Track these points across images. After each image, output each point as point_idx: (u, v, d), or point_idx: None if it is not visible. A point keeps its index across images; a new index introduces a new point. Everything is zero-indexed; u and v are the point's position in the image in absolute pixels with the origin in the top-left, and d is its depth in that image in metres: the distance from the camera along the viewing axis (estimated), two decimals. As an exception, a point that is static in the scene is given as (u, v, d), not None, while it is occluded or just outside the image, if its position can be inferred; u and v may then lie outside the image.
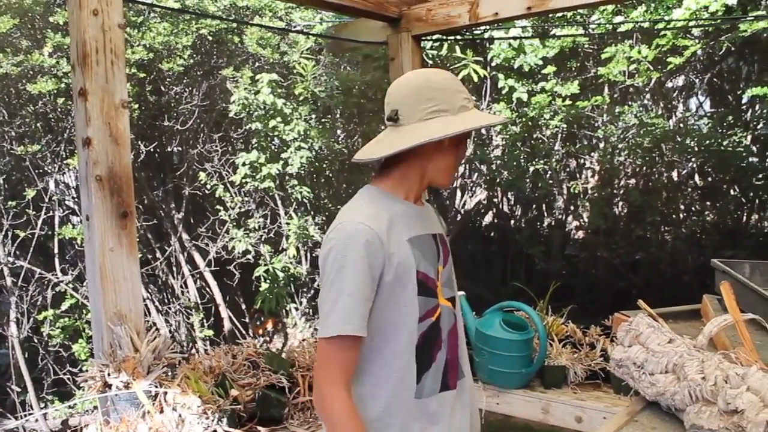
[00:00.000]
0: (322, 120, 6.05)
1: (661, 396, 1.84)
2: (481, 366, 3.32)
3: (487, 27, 5.24)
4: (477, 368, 3.28)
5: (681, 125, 6.00)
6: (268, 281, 5.61)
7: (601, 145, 6.12)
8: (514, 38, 5.32)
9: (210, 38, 5.55)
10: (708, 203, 6.05)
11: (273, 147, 5.67)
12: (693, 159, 5.86)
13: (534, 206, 6.88)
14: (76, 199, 5.58)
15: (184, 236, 5.96)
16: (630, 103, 6.11)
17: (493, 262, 6.95)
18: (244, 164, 5.40)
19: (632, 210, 6.15)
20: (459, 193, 6.80)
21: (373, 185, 1.65)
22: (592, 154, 6.27)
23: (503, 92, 5.73)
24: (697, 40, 5.38)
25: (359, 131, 6.24)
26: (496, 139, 6.47)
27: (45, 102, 5.11)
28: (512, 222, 6.95)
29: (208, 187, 5.73)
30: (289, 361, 3.24)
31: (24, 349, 5.15)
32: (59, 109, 5.21)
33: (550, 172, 6.13)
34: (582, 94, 5.67)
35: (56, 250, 5.36)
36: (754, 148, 5.69)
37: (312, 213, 6.03)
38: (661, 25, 5.10)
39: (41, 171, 5.30)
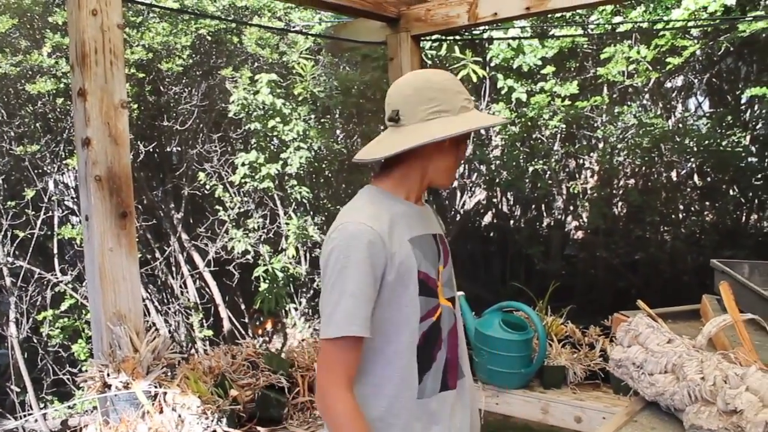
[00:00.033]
0: (322, 120, 6.06)
1: (660, 396, 1.84)
2: (481, 366, 3.32)
3: (486, 27, 5.25)
4: (476, 368, 3.28)
5: (680, 125, 6.00)
6: (267, 281, 5.61)
7: (600, 145, 6.13)
8: (513, 38, 5.32)
9: (209, 38, 5.56)
10: (707, 203, 6.05)
11: (272, 147, 5.67)
12: (692, 159, 5.86)
13: (533, 206, 6.88)
14: (76, 199, 5.58)
15: (184, 236, 5.96)
16: (629, 103, 6.11)
17: (493, 262, 6.95)
18: (243, 164, 5.40)
19: (631, 210, 6.15)
20: (458, 193, 6.81)
21: (374, 185, 1.65)
22: (592, 154, 6.27)
23: (502, 92, 5.73)
24: (695, 41, 5.38)
25: (358, 131, 6.24)
26: (495, 139, 6.47)
27: (44, 102, 5.11)
28: (511, 222, 6.95)
29: (208, 187, 5.73)
30: (288, 362, 3.24)
31: (23, 349, 5.15)
32: (58, 110, 5.21)
33: (549, 173, 6.13)
34: (581, 95, 5.68)
35: (55, 250, 5.35)
36: (753, 148, 5.69)
37: (311, 213, 6.03)
38: (660, 26, 5.10)
39: (40, 171, 5.29)
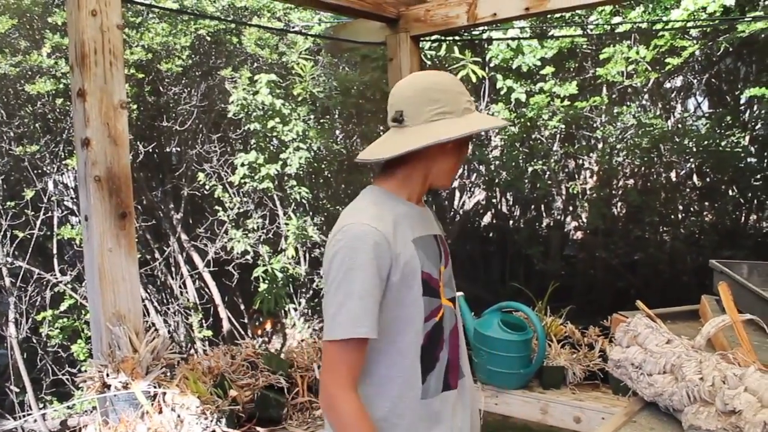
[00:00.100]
0: (321, 120, 6.06)
1: (659, 396, 1.85)
2: (480, 366, 3.32)
3: (486, 27, 5.25)
4: (476, 369, 3.28)
5: (679, 126, 6.00)
6: (266, 282, 5.61)
7: (600, 145, 6.13)
8: (513, 39, 5.33)
9: (208, 39, 5.56)
10: (706, 203, 6.05)
11: (272, 147, 5.67)
12: (691, 159, 5.86)
13: (533, 207, 6.89)
14: (75, 200, 5.58)
15: (183, 237, 5.96)
16: (628, 103, 6.12)
17: (492, 263, 6.95)
18: (242, 165, 5.40)
19: (631, 210, 6.15)
20: (458, 194, 6.81)
21: (376, 186, 1.65)
22: (591, 154, 6.28)
23: (502, 93, 5.73)
24: (695, 41, 5.38)
25: (358, 131, 6.25)
26: (494, 139, 6.47)
27: (43, 102, 5.11)
28: (511, 222, 6.95)
29: (207, 187, 5.73)
30: (287, 362, 3.24)
31: (23, 349, 5.15)
32: (58, 110, 5.21)
33: (548, 173, 6.14)
34: (580, 95, 5.68)
35: (55, 251, 5.36)
36: (752, 149, 5.70)
37: (311, 213, 6.03)
38: (659, 26, 5.10)
39: (40, 171, 5.29)
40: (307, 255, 6.05)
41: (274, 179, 5.49)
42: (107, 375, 2.43)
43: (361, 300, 1.46)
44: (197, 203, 6.32)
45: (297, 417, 3.05)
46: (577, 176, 6.44)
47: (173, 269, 5.96)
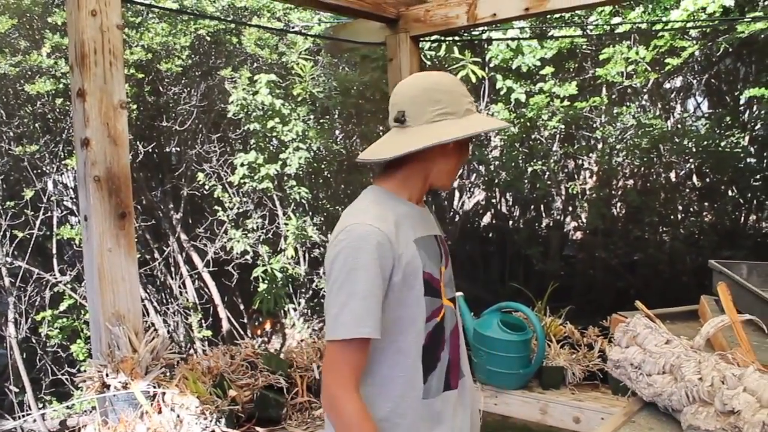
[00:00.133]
0: (321, 120, 6.06)
1: (658, 397, 1.85)
2: (479, 367, 3.32)
3: (486, 28, 5.25)
4: (475, 369, 3.28)
5: (679, 126, 6.00)
6: (266, 282, 5.61)
7: (599, 145, 6.13)
8: (513, 39, 5.33)
9: (208, 39, 5.56)
10: (706, 204, 6.06)
11: (271, 147, 5.67)
12: (691, 160, 5.86)
13: (532, 207, 6.89)
14: (75, 200, 5.58)
15: (183, 237, 5.96)
16: (628, 103, 6.12)
17: (492, 263, 6.95)
18: (242, 165, 5.40)
19: (630, 211, 6.15)
20: (457, 194, 6.81)
21: (377, 186, 1.65)
22: (590, 154, 6.28)
23: (501, 93, 5.74)
24: (694, 41, 5.39)
25: (357, 132, 6.25)
26: (494, 140, 6.48)
27: (43, 102, 5.11)
28: (510, 223, 6.95)
29: (207, 187, 5.73)
30: (287, 362, 3.24)
31: (22, 349, 5.15)
32: (57, 110, 5.21)
33: (548, 173, 6.14)
34: (580, 95, 5.68)
35: (54, 251, 5.36)
36: (751, 149, 5.70)
37: (310, 213, 6.04)
38: (658, 26, 5.11)
39: (39, 171, 5.29)
40: (307, 255, 6.05)
41: (273, 179, 5.49)
42: (106, 375, 2.43)
43: (365, 300, 1.46)
44: (197, 203, 6.32)
45: (296, 417, 3.05)
46: (576, 176, 6.44)
47: (173, 269, 5.96)
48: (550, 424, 3.25)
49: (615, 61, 5.31)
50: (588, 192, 6.34)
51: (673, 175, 6.12)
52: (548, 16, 5.33)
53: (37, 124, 5.29)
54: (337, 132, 6.36)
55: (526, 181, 6.17)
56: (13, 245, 5.12)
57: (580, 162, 6.46)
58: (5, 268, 5.15)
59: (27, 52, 4.94)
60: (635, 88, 5.94)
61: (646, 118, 5.80)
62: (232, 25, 5.58)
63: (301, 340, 4.27)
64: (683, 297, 3.01)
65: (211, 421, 2.53)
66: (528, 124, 5.84)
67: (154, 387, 2.46)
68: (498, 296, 4.93)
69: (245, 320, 6.40)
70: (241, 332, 6.19)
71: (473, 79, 5.19)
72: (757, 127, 5.80)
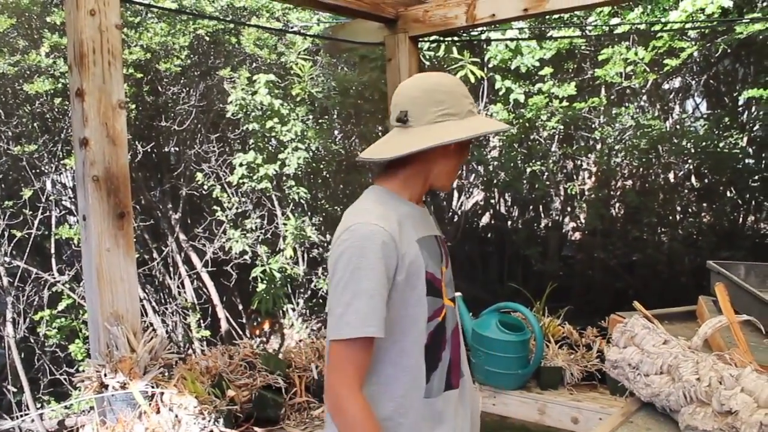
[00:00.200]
0: (320, 121, 6.06)
1: (656, 397, 1.85)
2: (478, 367, 3.32)
3: (484, 28, 5.25)
4: (473, 369, 3.28)
5: (677, 127, 6.01)
6: (265, 282, 5.61)
7: (598, 146, 6.13)
8: (511, 39, 5.33)
9: (207, 39, 5.56)
10: (704, 205, 6.06)
11: (270, 148, 5.67)
12: (689, 160, 5.87)
13: (531, 207, 6.89)
14: (73, 200, 5.58)
15: (181, 237, 5.96)
16: (627, 104, 6.12)
17: (490, 263, 6.95)
18: (241, 165, 5.40)
19: (629, 211, 6.16)
20: (456, 195, 6.81)
21: (379, 185, 1.66)
22: (589, 155, 6.28)
23: (500, 93, 5.74)
24: (693, 42, 5.39)
25: (356, 132, 6.25)
26: (493, 140, 6.48)
27: (42, 102, 5.11)
28: (509, 223, 6.96)
29: (206, 187, 5.73)
30: (285, 362, 3.24)
31: (20, 349, 5.15)
32: (56, 109, 5.21)
33: (547, 174, 6.14)
34: (579, 96, 5.68)
35: (53, 251, 5.35)
36: (750, 150, 5.70)
37: (309, 214, 6.04)
38: (657, 27, 5.11)
39: (38, 171, 5.29)
40: (306, 255, 6.05)
41: (272, 179, 5.49)
42: (105, 375, 2.43)
43: (370, 299, 1.47)
44: (195, 203, 6.32)
45: (294, 417, 3.05)
46: (575, 177, 6.44)
47: (171, 269, 5.96)
48: (549, 425, 3.25)
49: (614, 61, 5.32)
50: (587, 192, 6.35)
51: (671, 175, 6.12)
52: (547, 17, 5.34)
53: (35, 124, 5.29)
54: (335, 132, 6.36)
55: (524, 181, 6.18)
56: (12, 245, 5.12)
57: (578, 162, 6.46)
58: (3, 268, 5.15)
59: (26, 51, 4.94)
60: (634, 88, 5.94)
61: (644, 118, 5.81)
62: (231, 25, 5.58)
63: (300, 341, 4.27)
64: (682, 297, 3.01)
65: (209, 421, 2.53)
66: (527, 124, 5.84)
67: (153, 387, 2.46)
68: (497, 296, 4.93)
69: (244, 320, 6.39)
70: (240, 332, 6.19)
71: (472, 79, 5.19)
72: (755, 128, 5.81)
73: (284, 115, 5.42)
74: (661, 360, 1.85)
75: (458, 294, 3.23)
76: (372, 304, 1.47)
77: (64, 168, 5.38)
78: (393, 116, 1.63)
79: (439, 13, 3.94)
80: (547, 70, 5.47)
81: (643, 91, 6.13)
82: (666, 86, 6.42)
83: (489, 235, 7.26)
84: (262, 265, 5.62)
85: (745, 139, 5.74)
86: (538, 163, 6.03)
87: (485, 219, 7.31)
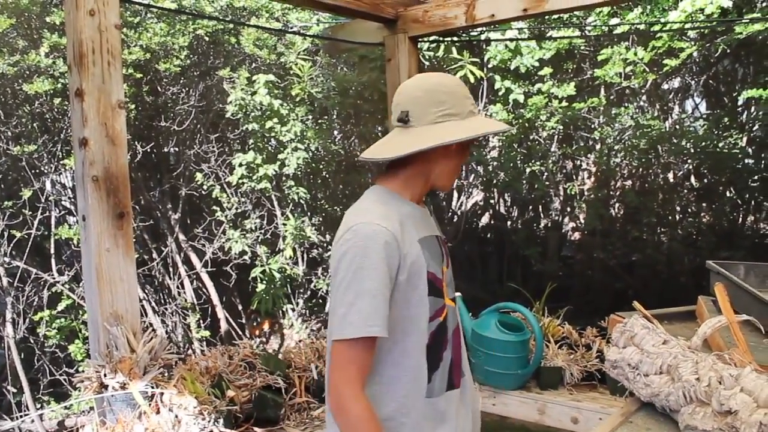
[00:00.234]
0: (319, 121, 6.06)
1: (655, 397, 1.85)
2: (477, 367, 3.32)
3: (484, 28, 5.25)
4: (473, 369, 3.28)
5: (677, 127, 6.01)
6: (264, 282, 5.61)
7: (598, 146, 6.14)
8: (511, 40, 5.33)
9: (207, 39, 5.56)
10: (704, 205, 6.06)
11: (270, 148, 5.67)
12: (689, 160, 5.87)
13: (530, 207, 6.89)
14: (73, 200, 5.57)
15: (181, 237, 5.96)
16: (626, 104, 6.12)
17: (490, 263, 6.95)
18: (240, 165, 5.40)
19: (628, 211, 6.16)
20: (456, 195, 6.81)
21: (380, 185, 1.66)
22: (589, 155, 6.28)
23: (500, 94, 5.74)
24: (692, 42, 5.39)
25: (356, 132, 6.25)
26: (492, 140, 6.48)
27: (41, 102, 5.11)
28: (509, 223, 6.96)
29: (205, 187, 5.73)
30: (285, 362, 3.24)
31: (20, 349, 5.14)
32: (56, 110, 5.21)
33: (546, 174, 6.14)
34: (578, 96, 5.69)
35: (52, 251, 5.35)
36: (749, 150, 5.71)
37: (309, 214, 6.04)
38: (656, 27, 5.11)
39: (37, 171, 5.29)
40: (305, 255, 6.05)
41: (272, 179, 5.49)
42: (105, 375, 2.43)
43: (373, 299, 1.47)
44: (195, 203, 6.31)
45: (294, 417, 3.05)
46: (574, 177, 6.44)
47: (171, 269, 5.96)
48: (548, 425, 3.25)
49: (613, 62, 5.32)
50: (586, 193, 6.35)
51: (671, 175, 6.13)
52: (546, 17, 5.34)
53: (35, 124, 5.29)
54: (335, 132, 6.36)
55: (524, 181, 6.18)
56: (11, 245, 5.12)
57: (578, 163, 6.46)
58: (3, 268, 5.14)
59: (25, 51, 4.93)
60: (633, 88, 5.94)
61: (644, 118, 5.81)
62: (231, 26, 5.58)
63: (300, 341, 4.27)
64: (681, 297, 3.01)
65: (209, 421, 2.53)
66: (526, 124, 5.85)
67: (152, 387, 2.46)
68: (496, 296, 4.93)
69: (243, 320, 6.39)
70: (240, 332, 6.19)
71: (471, 79, 5.20)
72: (755, 128, 5.81)
73: (284, 115, 5.42)
74: (660, 360, 1.86)
75: (458, 294, 3.23)
76: (375, 303, 1.47)
77: (63, 168, 5.37)
78: (394, 116, 1.63)
79: (438, 14, 3.94)
80: (546, 71, 5.47)
81: (643, 91, 6.14)
82: (665, 86, 6.42)
83: (488, 236, 7.26)
84: (261, 266, 5.62)
85: (745, 139, 5.75)
86: (538, 163, 6.03)
87: (485, 219, 7.31)
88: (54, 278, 5.23)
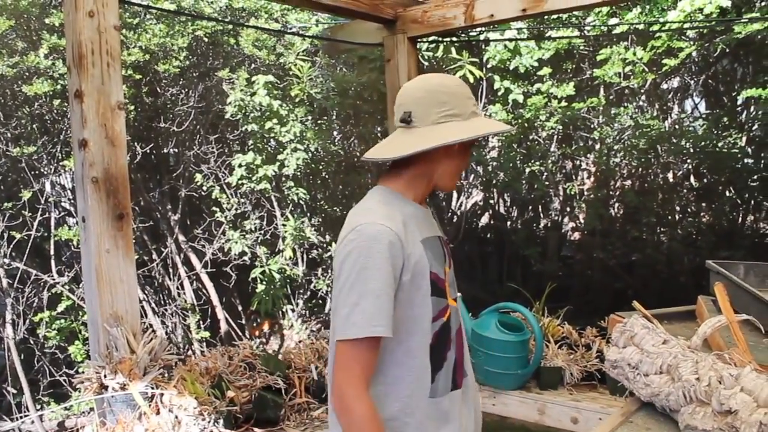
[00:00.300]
0: (318, 121, 6.06)
1: (655, 397, 1.85)
2: (477, 367, 3.32)
3: (483, 28, 5.25)
4: (473, 369, 3.29)
5: (676, 127, 6.01)
6: (264, 283, 5.61)
7: (597, 146, 6.14)
8: (510, 40, 5.33)
9: (206, 40, 5.56)
10: (703, 204, 6.06)
11: (269, 148, 5.67)
12: (688, 160, 5.87)
13: (530, 207, 6.89)
14: (72, 201, 5.57)
15: (181, 238, 5.96)
16: (625, 104, 6.12)
17: (490, 264, 6.96)
18: (240, 166, 5.40)
19: (628, 211, 6.16)
20: (455, 195, 6.81)
21: (383, 186, 1.66)
22: (588, 155, 6.29)
23: (499, 94, 5.74)
24: (692, 42, 5.40)
25: (355, 132, 6.25)
26: (492, 140, 6.48)
27: (41, 103, 5.10)
28: (508, 223, 6.96)
29: (205, 188, 5.73)
30: (285, 363, 3.24)
31: (20, 350, 5.14)
32: (55, 111, 5.20)
33: (546, 174, 6.14)
34: (577, 96, 5.69)
35: (52, 252, 5.35)
36: (749, 150, 5.71)
37: (308, 214, 6.04)
38: (656, 27, 5.12)
39: (37, 172, 5.29)
40: (305, 256, 6.05)
41: (271, 180, 5.49)
42: (105, 376, 2.43)
43: (377, 299, 1.47)
44: (195, 204, 6.31)
45: (294, 418, 3.05)
46: (574, 177, 6.45)
47: (171, 270, 5.96)
48: (548, 425, 3.25)
49: (612, 61, 5.32)
50: (586, 193, 6.35)
51: (670, 175, 6.13)
52: (546, 17, 5.34)
53: (34, 125, 5.29)
54: (335, 133, 6.36)
55: (524, 181, 6.18)
56: (11, 246, 5.12)
57: (577, 162, 6.47)
58: (3, 270, 5.14)
59: (24, 53, 4.93)
60: (633, 88, 5.94)
61: (643, 118, 5.81)
62: (230, 26, 5.58)
63: (299, 341, 4.28)
64: (681, 297, 3.02)
65: (209, 422, 2.53)
66: (526, 124, 5.85)
67: (152, 388, 2.46)
68: (496, 297, 4.93)
69: (243, 321, 6.39)
70: (240, 333, 6.19)
71: (471, 79, 5.19)
72: (754, 128, 5.82)
73: (283, 116, 5.42)
74: (660, 360, 1.86)
75: (458, 294, 3.23)
76: (378, 303, 1.47)
77: (63, 169, 5.37)
78: (397, 117, 1.63)
79: (437, 14, 3.94)
80: (545, 71, 5.47)
81: (642, 91, 6.14)
82: (665, 86, 6.43)
83: (488, 236, 7.26)
84: (261, 266, 5.62)
85: (744, 138, 5.75)
86: (537, 163, 6.03)
87: (484, 219, 7.32)
88: (54, 279, 5.23)
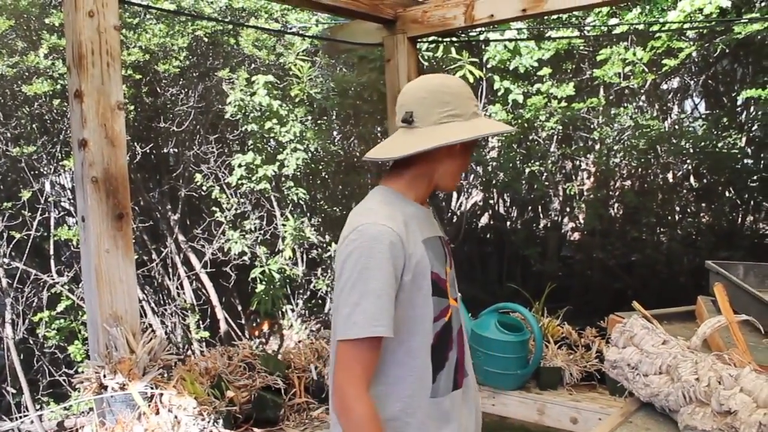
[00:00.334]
0: (318, 121, 6.06)
1: (655, 397, 1.85)
2: (477, 367, 3.30)
3: (483, 29, 5.25)
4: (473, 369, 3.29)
5: (676, 127, 6.01)
6: (264, 283, 5.61)
7: (597, 146, 6.14)
8: (510, 40, 5.34)
9: (206, 40, 5.56)
10: (703, 205, 6.06)
11: (269, 148, 5.67)
12: (688, 161, 5.87)
13: (530, 208, 6.89)
14: (72, 201, 5.57)
15: (180, 238, 5.96)
16: (625, 104, 6.12)
17: (489, 264, 6.95)
18: (240, 166, 5.40)
19: (628, 211, 6.16)
20: (455, 195, 6.81)
21: (385, 186, 1.67)
22: (588, 155, 6.29)
23: (499, 94, 5.74)
24: (691, 42, 5.40)
25: (355, 132, 6.25)
26: (492, 141, 6.48)
27: (40, 103, 5.10)
28: (508, 223, 6.96)
29: (204, 188, 5.73)
30: (284, 363, 3.24)
31: (19, 350, 5.14)
32: (55, 111, 5.20)
33: (545, 174, 6.14)
34: (577, 96, 5.69)
35: (52, 252, 5.34)
36: (748, 150, 5.71)
37: (308, 214, 6.04)
38: (655, 27, 5.12)
39: (37, 172, 5.29)
40: (305, 256, 6.05)
41: (271, 180, 5.49)
42: (104, 376, 2.43)
43: (379, 299, 1.47)
44: (194, 204, 6.31)
45: (294, 418, 3.05)
46: (574, 177, 6.45)
47: (170, 270, 5.96)
48: (548, 425, 3.25)
49: (612, 62, 5.32)
50: (585, 193, 6.35)
51: (670, 176, 6.13)
52: (546, 17, 5.34)
53: (34, 125, 5.29)
54: (334, 133, 6.36)
55: (523, 182, 6.18)
56: (11, 246, 5.11)
57: (577, 163, 6.47)
58: (2, 269, 5.14)
59: (24, 53, 4.93)
60: (632, 89, 5.94)
61: (643, 119, 5.81)
62: (230, 26, 5.57)
63: (299, 341, 4.27)
64: (680, 298, 3.02)
65: (208, 422, 2.53)
66: (525, 125, 5.85)
67: (152, 388, 2.46)
68: (496, 297, 4.93)
69: (243, 321, 6.39)
70: (239, 333, 6.18)
71: (471, 79, 5.19)
72: (754, 128, 5.82)
73: (283, 116, 5.42)
74: (660, 360, 1.86)
75: (458, 294, 3.23)
76: (380, 304, 1.47)
77: (62, 169, 5.37)
78: (398, 117, 1.64)
79: (437, 14, 3.94)
80: (545, 71, 5.47)
81: (642, 91, 6.14)
82: (664, 86, 6.43)
83: (488, 236, 7.26)
84: (261, 266, 5.62)
85: (744, 139, 5.75)
86: (537, 163, 6.03)
87: (484, 219, 7.31)
88: (53, 279, 5.22)
